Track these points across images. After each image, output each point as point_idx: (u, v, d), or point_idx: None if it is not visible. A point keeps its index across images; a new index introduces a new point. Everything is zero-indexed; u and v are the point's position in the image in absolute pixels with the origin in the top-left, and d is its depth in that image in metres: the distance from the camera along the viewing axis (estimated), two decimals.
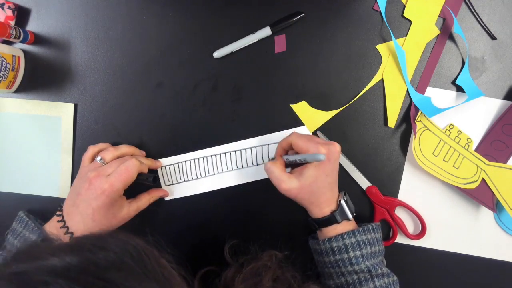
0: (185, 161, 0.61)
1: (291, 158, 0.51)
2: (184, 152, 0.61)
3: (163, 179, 0.62)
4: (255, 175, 0.61)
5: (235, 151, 0.60)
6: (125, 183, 0.51)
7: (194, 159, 0.61)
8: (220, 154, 0.61)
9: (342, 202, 0.52)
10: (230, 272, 0.51)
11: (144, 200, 0.57)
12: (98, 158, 0.54)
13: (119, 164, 0.52)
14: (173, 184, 0.62)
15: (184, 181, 0.61)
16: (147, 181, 0.55)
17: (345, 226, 0.52)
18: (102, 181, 0.50)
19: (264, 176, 0.60)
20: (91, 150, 0.56)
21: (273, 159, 0.56)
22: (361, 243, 0.51)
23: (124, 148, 0.57)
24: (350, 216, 0.53)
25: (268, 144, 0.60)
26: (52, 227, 0.53)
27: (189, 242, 0.63)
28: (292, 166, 0.54)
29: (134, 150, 0.59)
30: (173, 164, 0.61)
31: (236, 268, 0.51)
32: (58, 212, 0.53)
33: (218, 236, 0.62)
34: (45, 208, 0.62)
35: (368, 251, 0.51)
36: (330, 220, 0.52)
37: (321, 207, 0.52)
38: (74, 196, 0.52)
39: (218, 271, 0.52)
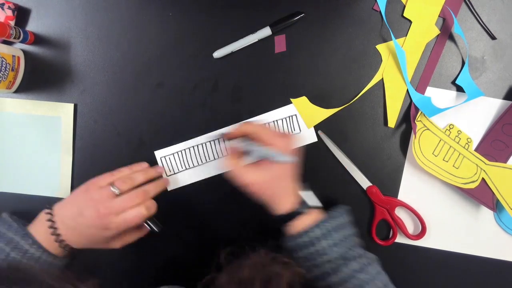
0: (185, 149, 0.61)
1: (250, 148, 0.51)
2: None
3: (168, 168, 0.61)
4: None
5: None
6: (128, 227, 0.52)
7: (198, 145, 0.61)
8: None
9: (300, 192, 0.52)
10: (223, 279, 0.43)
11: (134, 236, 0.56)
12: (114, 189, 0.52)
13: (131, 202, 0.51)
14: (175, 173, 0.61)
15: (186, 169, 0.61)
16: (151, 228, 0.56)
17: (310, 218, 0.51)
18: (111, 220, 0.50)
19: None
20: (109, 179, 0.54)
21: (227, 138, 0.55)
22: (327, 233, 0.50)
23: (140, 178, 0.55)
24: (311, 204, 0.52)
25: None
26: (40, 229, 0.52)
27: (188, 241, 0.63)
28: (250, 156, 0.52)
29: (149, 175, 0.57)
30: (173, 154, 0.61)
31: (228, 273, 0.45)
32: (48, 217, 0.51)
33: (217, 235, 0.62)
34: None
35: (336, 237, 0.50)
36: (293, 213, 0.51)
37: (283, 202, 0.51)
38: (75, 212, 0.51)
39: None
